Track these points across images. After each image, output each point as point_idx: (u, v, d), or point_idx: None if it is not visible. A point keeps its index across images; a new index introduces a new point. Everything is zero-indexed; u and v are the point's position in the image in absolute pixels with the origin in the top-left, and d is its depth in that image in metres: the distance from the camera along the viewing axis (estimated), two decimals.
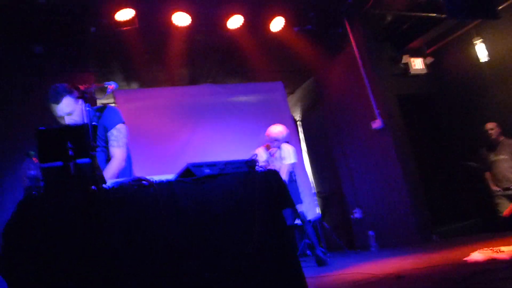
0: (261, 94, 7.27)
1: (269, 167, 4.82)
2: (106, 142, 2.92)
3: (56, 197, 2.03)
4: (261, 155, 5.06)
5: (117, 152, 2.88)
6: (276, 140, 5.03)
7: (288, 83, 7.71)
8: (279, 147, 5.05)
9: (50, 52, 4.95)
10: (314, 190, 7.53)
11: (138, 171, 3.26)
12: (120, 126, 2.92)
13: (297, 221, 5.37)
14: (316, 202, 7.28)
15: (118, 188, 2.13)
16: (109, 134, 2.89)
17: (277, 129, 5.05)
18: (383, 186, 5.80)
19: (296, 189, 5.08)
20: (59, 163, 2.05)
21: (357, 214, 6.25)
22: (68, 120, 2.77)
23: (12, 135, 4.38)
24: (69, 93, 2.77)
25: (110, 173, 2.78)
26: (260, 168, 2.54)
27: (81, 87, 2.20)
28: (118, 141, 2.89)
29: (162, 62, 6.06)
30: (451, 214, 6.17)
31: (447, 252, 3.82)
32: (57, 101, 2.72)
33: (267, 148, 5.12)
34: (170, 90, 6.66)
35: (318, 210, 7.25)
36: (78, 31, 4.87)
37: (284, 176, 4.95)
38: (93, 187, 2.04)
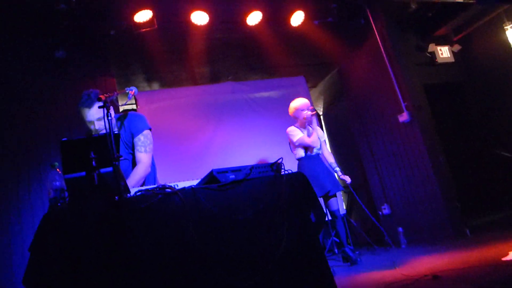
0: (283, 90, 7.19)
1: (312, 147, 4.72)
2: (133, 148, 2.96)
3: (81, 208, 2.02)
4: (298, 133, 4.83)
5: (144, 157, 2.92)
6: (295, 117, 4.98)
7: (310, 77, 7.62)
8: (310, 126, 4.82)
9: (72, 56, 4.99)
10: None
11: (161, 174, 3.26)
12: (147, 132, 2.98)
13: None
14: (341, 197, 7.18)
15: (142, 197, 2.11)
16: (136, 139, 2.95)
17: (291, 106, 4.98)
18: (412, 181, 5.66)
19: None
20: (82, 174, 2.05)
21: (385, 210, 6.12)
22: (98, 125, 2.82)
23: (37, 144, 4.44)
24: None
25: (136, 179, 2.81)
26: (286, 171, 2.48)
27: (102, 97, 2.19)
28: (145, 147, 2.94)
29: (182, 62, 6.06)
30: (484, 207, 5.98)
31: (483, 250, 3.67)
32: (90, 105, 2.77)
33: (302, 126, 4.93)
34: (191, 90, 6.65)
35: (344, 206, 7.14)
36: (98, 34, 4.91)
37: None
38: (116, 197, 2.02)
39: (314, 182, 4.49)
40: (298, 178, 2.52)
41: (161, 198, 2.13)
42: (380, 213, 6.27)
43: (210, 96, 6.65)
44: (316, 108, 8.34)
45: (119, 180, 2.06)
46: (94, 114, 2.79)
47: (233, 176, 2.31)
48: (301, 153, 4.83)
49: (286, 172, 2.47)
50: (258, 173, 2.40)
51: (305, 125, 4.88)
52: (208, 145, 6.30)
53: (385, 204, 6.18)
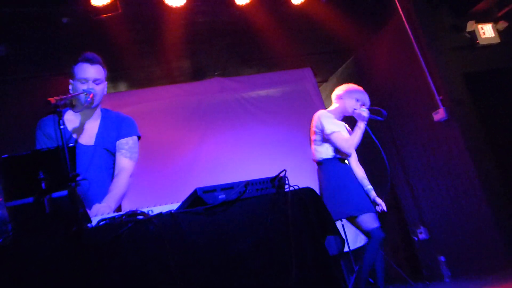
0: (285, 86, 7.23)
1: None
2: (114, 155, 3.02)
3: (28, 244, 2.00)
4: (336, 123, 4.46)
5: (128, 164, 3.00)
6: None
7: (319, 70, 7.65)
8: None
9: (16, 52, 5.00)
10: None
11: (132, 201, 3.23)
12: (136, 138, 3.12)
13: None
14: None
15: (106, 227, 2.08)
16: (122, 141, 3.03)
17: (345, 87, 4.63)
18: (453, 196, 5.65)
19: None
20: (29, 200, 2.03)
21: (422, 234, 6.10)
22: (91, 86, 2.88)
23: None
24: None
25: (120, 193, 2.86)
26: (292, 187, 2.46)
27: (52, 99, 2.18)
28: (131, 153, 3.04)
29: (155, 55, 6.08)
30: None
31: None
32: (93, 63, 2.93)
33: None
34: (168, 90, 6.67)
35: None
36: (46, 23, 4.90)
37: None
38: (74, 228, 1.99)
39: (343, 195, 4.22)
40: (308, 194, 2.50)
41: (131, 227, 2.10)
42: (415, 238, 6.25)
43: (192, 97, 6.66)
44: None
45: (77, 207, 2.04)
46: (94, 73, 2.90)
47: (224, 196, 2.29)
48: (328, 151, 4.40)
49: (291, 188, 2.45)
50: (256, 190, 2.37)
51: (341, 117, 4.56)
52: (192, 161, 6.29)
53: (421, 227, 6.16)
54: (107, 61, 5.65)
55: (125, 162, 2.99)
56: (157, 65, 6.43)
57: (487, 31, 6.25)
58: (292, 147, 6.70)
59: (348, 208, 4.16)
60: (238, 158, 6.33)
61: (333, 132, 4.26)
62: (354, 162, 4.62)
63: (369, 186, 4.51)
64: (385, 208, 4.41)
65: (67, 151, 2.02)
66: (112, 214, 2.25)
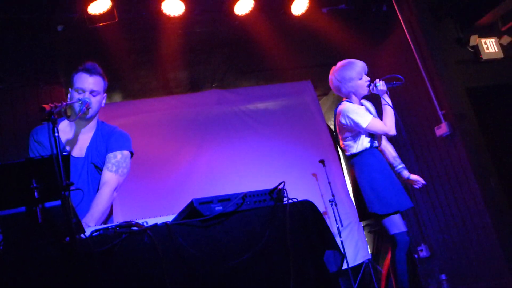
0: (284, 99, 7.26)
1: None
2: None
3: (20, 254, 2.00)
4: (365, 113, 4.11)
5: (112, 178, 2.91)
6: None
7: (320, 83, 7.67)
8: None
9: (8, 60, 5.01)
10: (361, 223, 7.39)
11: (126, 213, 3.24)
12: (127, 153, 3.05)
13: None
14: (364, 239, 7.15)
15: (100, 238, 2.08)
16: (110, 155, 2.98)
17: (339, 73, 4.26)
18: (456, 212, 5.65)
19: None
20: (21, 209, 2.03)
21: (423, 252, 6.10)
22: (86, 97, 2.89)
23: None
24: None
25: (102, 205, 2.80)
26: (290, 200, 2.47)
27: (47, 106, 2.19)
28: (118, 167, 2.96)
29: (152, 65, 6.10)
30: None
31: None
32: (93, 74, 2.94)
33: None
34: (164, 101, 6.69)
35: (368, 249, 7.11)
36: (41, 31, 4.92)
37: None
38: (67, 238, 2.00)
39: (375, 191, 3.93)
40: (307, 207, 2.51)
41: (125, 238, 2.10)
42: (416, 256, 6.24)
43: (189, 109, 6.68)
44: (329, 123, 8.37)
45: (70, 217, 2.04)
46: (92, 84, 2.91)
47: (221, 208, 2.30)
48: (366, 143, 4.08)
49: (290, 200, 2.46)
50: (254, 202, 2.38)
51: (360, 101, 4.23)
52: (188, 173, 6.29)
53: (422, 244, 6.16)
54: (102, 70, 5.68)
55: (109, 175, 2.93)
56: (153, 76, 6.45)
57: (490, 46, 6.29)
58: (291, 161, 6.71)
59: (378, 206, 3.89)
60: (236, 171, 6.34)
61: (369, 122, 3.95)
62: (384, 141, 4.36)
63: (400, 166, 4.28)
64: (423, 181, 4.18)
65: (61, 159, 2.03)
66: (106, 225, 2.26)
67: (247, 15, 5.48)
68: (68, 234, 2.02)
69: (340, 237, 6.17)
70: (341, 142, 4.23)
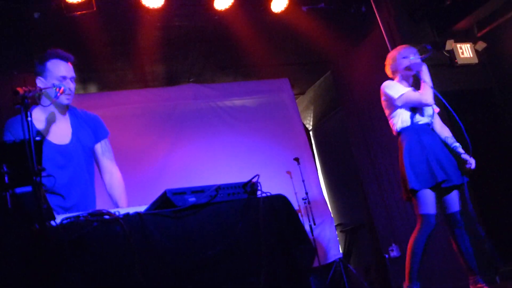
0: (261, 95, 7.28)
1: None
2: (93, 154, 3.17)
3: None
4: (401, 87, 4.12)
5: (114, 165, 3.22)
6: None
7: (297, 81, 7.72)
8: None
9: None
10: (333, 222, 7.46)
11: (101, 207, 3.24)
12: (108, 138, 3.28)
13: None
14: (336, 238, 7.21)
15: (70, 225, 2.06)
16: (102, 143, 3.20)
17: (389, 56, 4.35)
18: None
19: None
20: None
21: (393, 252, 6.17)
22: (67, 85, 2.91)
23: None
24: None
25: (123, 190, 3.14)
26: (264, 193, 2.48)
27: (20, 89, 2.16)
28: (110, 153, 3.24)
29: (129, 57, 6.06)
30: None
31: None
32: (68, 60, 2.98)
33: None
34: (140, 93, 6.66)
35: (340, 248, 7.18)
36: (16, 17, 4.85)
37: None
38: (36, 225, 1.97)
39: (432, 164, 3.89)
40: (280, 202, 2.52)
41: (97, 226, 2.09)
42: (386, 256, 6.31)
43: (165, 102, 6.66)
44: (305, 122, 8.42)
45: (41, 203, 2.02)
46: (71, 72, 2.97)
47: (194, 199, 2.29)
48: (406, 118, 4.11)
49: (263, 194, 2.47)
50: (227, 195, 2.39)
51: (409, 79, 4.25)
52: (162, 167, 6.27)
53: (393, 244, 6.22)
54: (78, 60, 5.65)
55: (110, 164, 3.20)
56: (130, 68, 6.41)
57: (465, 51, 6.38)
58: (266, 158, 6.74)
59: (413, 181, 3.88)
60: (211, 167, 6.34)
61: (402, 94, 4.01)
62: (438, 124, 4.35)
63: (455, 144, 4.19)
64: (474, 165, 4.08)
65: (33, 145, 2.01)
66: (76, 213, 2.24)
67: (226, 10, 5.48)
68: (38, 220, 2.00)
69: (312, 235, 6.22)
70: (389, 121, 4.26)
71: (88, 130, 3.12)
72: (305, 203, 6.43)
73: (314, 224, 6.41)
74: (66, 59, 2.95)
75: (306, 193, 6.45)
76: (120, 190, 3.12)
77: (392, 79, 4.30)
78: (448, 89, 6.08)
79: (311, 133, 8.53)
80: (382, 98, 4.23)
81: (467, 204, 4.23)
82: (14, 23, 4.95)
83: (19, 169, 2.03)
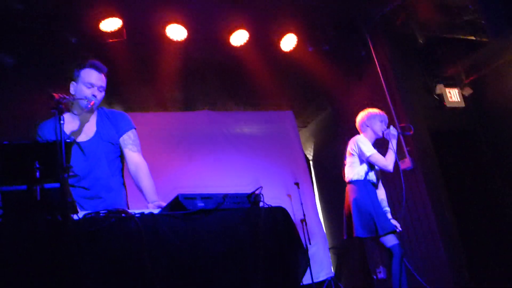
0: (268, 125, 7.32)
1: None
2: (120, 149, 3.07)
3: (17, 227, 1.99)
4: (371, 148, 4.35)
5: (140, 157, 3.06)
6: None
7: (301, 114, 7.77)
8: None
9: (24, 65, 5.01)
10: (327, 243, 7.40)
11: None
12: (135, 131, 3.13)
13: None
14: (329, 258, 7.15)
15: (90, 219, 2.09)
16: (125, 137, 3.06)
17: (364, 114, 4.60)
18: (414, 240, 5.69)
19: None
20: (23, 187, 2.03)
21: (381, 274, 6.11)
22: (93, 93, 2.91)
23: None
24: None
25: (151, 181, 3.02)
26: (266, 204, 2.50)
27: (56, 95, 2.21)
28: (137, 146, 3.09)
29: (152, 83, 6.13)
30: (497, 270, 5.99)
31: None
32: (101, 71, 2.97)
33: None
34: (159, 116, 6.71)
35: (332, 268, 7.10)
36: (57, 41, 4.95)
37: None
38: (59, 216, 2.00)
39: (371, 215, 4.16)
40: (279, 213, 2.53)
41: (114, 222, 2.11)
42: (374, 277, 6.24)
43: (181, 125, 6.70)
44: (306, 152, 8.43)
45: (65, 197, 2.04)
46: (100, 81, 2.94)
47: (203, 204, 2.32)
48: (362, 173, 4.38)
49: (265, 205, 2.49)
50: (233, 203, 2.41)
51: (373, 142, 4.48)
52: (176, 183, 6.27)
53: (380, 267, 6.17)
54: (107, 82, 5.72)
55: (135, 156, 3.05)
56: (151, 92, 6.45)
57: (454, 95, 6.43)
58: (269, 181, 6.71)
59: (375, 227, 4.16)
60: (219, 182, 6.35)
61: (373, 153, 4.28)
62: (380, 185, 4.64)
63: (386, 208, 4.52)
64: (400, 228, 4.43)
65: (64, 144, 2.05)
66: (97, 211, 2.26)
67: (241, 47, 5.58)
68: (62, 213, 2.03)
69: (307, 253, 6.17)
70: (345, 167, 4.53)
71: (111, 126, 3.06)
72: (303, 224, 6.42)
73: (310, 243, 6.38)
74: (99, 70, 2.96)
75: (304, 215, 6.45)
76: (146, 181, 2.99)
77: (358, 132, 4.57)
78: (436, 129, 6.12)
79: (311, 162, 8.53)
80: (351, 148, 4.45)
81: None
82: (53, 46, 5.04)
83: (49, 166, 2.07)
